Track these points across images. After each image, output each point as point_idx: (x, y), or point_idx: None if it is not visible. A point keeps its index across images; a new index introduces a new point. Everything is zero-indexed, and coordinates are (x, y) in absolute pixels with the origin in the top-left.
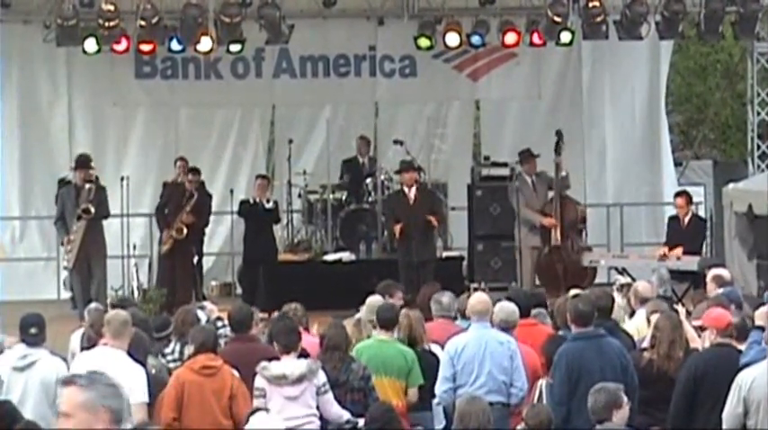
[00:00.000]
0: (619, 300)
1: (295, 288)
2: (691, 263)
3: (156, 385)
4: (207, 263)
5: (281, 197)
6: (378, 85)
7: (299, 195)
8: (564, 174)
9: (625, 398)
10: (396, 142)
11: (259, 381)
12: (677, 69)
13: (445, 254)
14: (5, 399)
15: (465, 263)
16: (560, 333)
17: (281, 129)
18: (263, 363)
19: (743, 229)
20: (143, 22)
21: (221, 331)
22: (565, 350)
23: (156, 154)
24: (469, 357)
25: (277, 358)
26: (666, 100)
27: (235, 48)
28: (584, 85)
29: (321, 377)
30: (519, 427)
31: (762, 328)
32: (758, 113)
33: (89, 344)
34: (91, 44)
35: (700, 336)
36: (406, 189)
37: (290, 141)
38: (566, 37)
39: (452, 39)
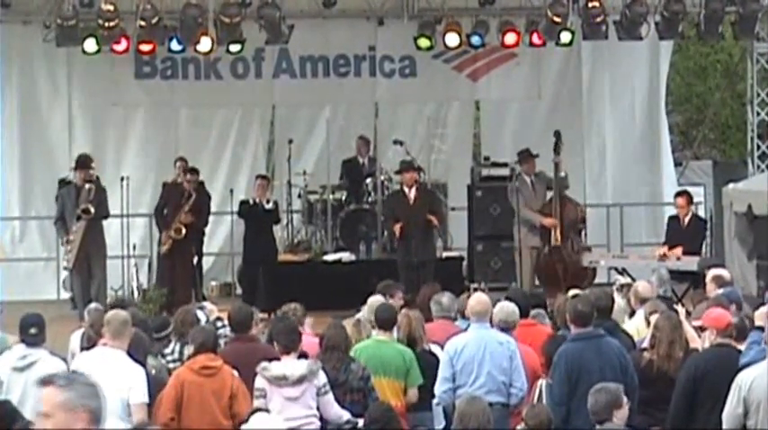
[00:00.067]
0: (619, 300)
1: (295, 288)
2: (690, 263)
3: (155, 385)
4: (207, 263)
5: (281, 197)
6: (378, 86)
7: (299, 195)
8: (563, 174)
9: (625, 398)
10: (396, 142)
11: (259, 382)
12: (677, 69)
13: (445, 254)
14: (5, 399)
15: (465, 263)
16: (560, 333)
17: (280, 130)
18: (264, 364)
19: (743, 230)
20: (143, 23)
21: (221, 331)
22: (564, 350)
23: (155, 154)
24: (469, 357)
25: (277, 358)
26: (666, 100)
27: (234, 48)
28: (583, 85)
29: (321, 378)
30: (519, 427)
31: (761, 329)
32: (758, 113)
33: (89, 344)
34: (91, 44)
35: (700, 337)
36: (406, 189)
37: (290, 141)
38: (565, 37)
39: (452, 39)
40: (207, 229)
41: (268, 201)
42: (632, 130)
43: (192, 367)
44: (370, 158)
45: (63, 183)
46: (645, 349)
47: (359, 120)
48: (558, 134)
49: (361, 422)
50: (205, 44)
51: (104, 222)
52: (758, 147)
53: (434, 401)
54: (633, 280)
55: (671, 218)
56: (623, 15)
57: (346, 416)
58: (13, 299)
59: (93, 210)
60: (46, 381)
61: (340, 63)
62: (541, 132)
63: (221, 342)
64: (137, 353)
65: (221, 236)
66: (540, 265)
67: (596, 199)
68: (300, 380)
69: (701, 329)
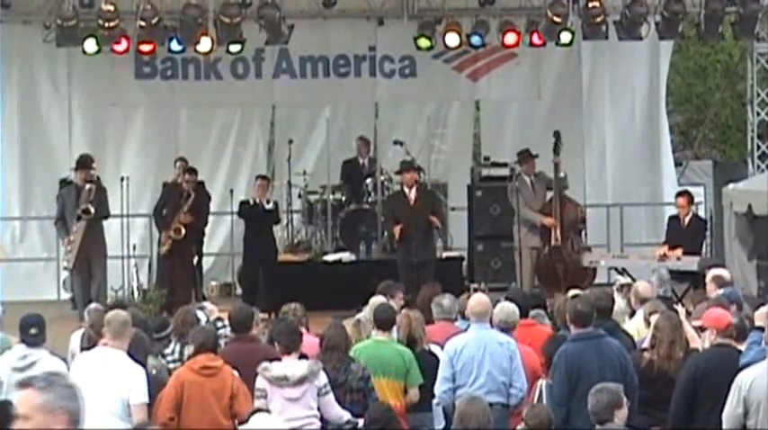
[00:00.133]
0: (619, 300)
1: (295, 288)
2: (691, 263)
3: (156, 385)
4: (207, 263)
5: (281, 197)
6: (378, 86)
7: (299, 196)
8: (562, 174)
9: (624, 398)
10: (396, 143)
11: (260, 382)
12: (677, 69)
13: (445, 254)
14: (5, 400)
15: (465, 263)
16: (560, 333)
17: (280, 130)
18: (265, 364)
19: (743, 230)
20: (143, 23)
21: (221, 331)
22: (564, 350)
23: (155, 154)
24: (469, 358)
25: (278, 359)
26: (666, 100)
27: (234, 48)
28: (584, 85)
29: (322, 378)
30: (519, 427)
31: (761, 329)
32: (758, 114)
33: (89, 344)
34: (91, 44)
35: (700, 337)
36: (406, 189)
37: (290, 142)
38: (566, 37)
39: (452, 39)
40: (207, 229)
41: (268, 202)
42: (632, 130)
43: (192, 367)
44: (371, 159)
45: (64, 183)
46: (645, 349)
47: (359, 120)
48: (557, 134)
49: (361, 422)
50: (205, 44)
51: (104, 222)
52: (758, 147)
53: (434, 401)
54: (633, 280)
55: (671, 218)
56: (623, 15)
57: (347, 416)
58: (14, 299)
59: (93, 210)
60: (25, 384)
61: (340, 63)
62: (541, 132)
63: (222, 342)
64: (137, 354)
65: (221, 236)
66: (540, 265)
67: (596, 199)
68: (301, 381)
69: (701, 329)
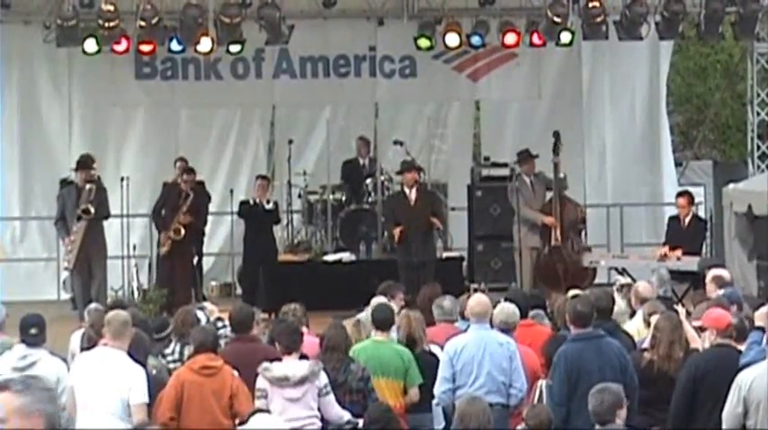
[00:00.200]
0: (619, 300)
1: (295, 288)
2: (691, 263)
3: (156, 385)
4: (207, 263)
5: (281, 197)
6: (378, 86)
7: (299, 196)
8: (562, 175)
9: (624, 398)
10: (396, 143)
11: (261, 382)
12: (677, 70)
13: (445, 254)
14: None
15: (465, 263)
16: (560, 333)
17: (281, 130)
18: (266, 364)
19: (743, 230)
20: (143, 23)
21: (222, 331)
22: (564, 351)
23: (155, 154)
24: (468, 358)
25: (278, 359)
26: (666, 100)
27: (235, 48)
28: (584, 85)
29: (323, 378)
30: (519, 428)
31: (761, 329)
32: (758, 114)
33: (89, 344)
34: (91, 44)
35: (700, 337)
36: (407, 190)
37: (290, 142)
38: (566, 37)
39: (452, 39)
40: (207, 230)
41: (268, 202)
42: (632, 131)
43: (192, 367)
44: (371, 159)
45: (64, 183)
46: (645, 349)
47: (359, 120)
48: (556, 135)
49: (361, 423)
50: (205, 44)
51: (104, 223)
52: (758, 147)
53: (434, 402)
54: (633, 280)
55: (671, 218)
56: (623, 15)
57: (347, 416)
58: (14, 299)
59: (93, 210)
60: (1, 387)
61: (340, 63)
62: (541, 132)
63: (222, 342)
64: (137, 354)
65: (221, 236)
66: (540, 266)
67: (596, 199)
68: (302, 381)
69: (701, 329)
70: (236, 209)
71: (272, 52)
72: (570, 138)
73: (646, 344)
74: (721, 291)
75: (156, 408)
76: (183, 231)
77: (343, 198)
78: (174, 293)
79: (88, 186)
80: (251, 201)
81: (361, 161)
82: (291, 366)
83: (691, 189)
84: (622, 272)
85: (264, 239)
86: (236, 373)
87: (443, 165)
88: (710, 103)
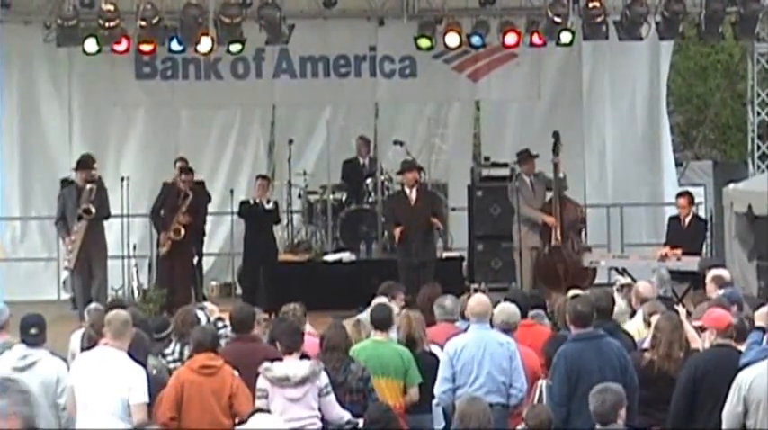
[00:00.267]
0: (619, 300)
1: (295, 288)
2: (691, 263)
3: (156, 385)
4: (207, 263)
5: (282, 197)
6: (378, 86)
7: (300, 196)
8: (561, 175)
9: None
10: (396, 143)
11: (261, 382)
12: (677, 70)
13: (445, 254)
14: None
15: (465, 263)
16: (561, 333)
17: (281, 130)
18: (266, 364)
19: (743, 230)
20: (143, 23)
21: (222, 331)
22: (564, 351)
23: (156, 154)
24: (468, 358)
25: (279, 358)
26: (667, 100)
27: (235, 48)
28: (584, 85)
29: (324, 378)
30: (519, 428)
31: (762, 329)
32: (758, 114)
33: (89, 344)
34: (91, 44)
35: (700, 337)
36: (407, 190)
37: (291, 142)
38: (566, 37)
39: (452, 39)
40: (207, 229)
41: (268, 202)
42: (633, 130)
43: (191, 367)
44: (371, 159)
45: (65, 182)
46: (646, 349)
47: (359, 120)
48: (556, 135)
49: (361, 423)
50: (205, 44)
51: (105, 223)
52: (758, 147)
53: (434, 402)
54: (634, 280)
55: (671, 218)
56: (623, 15)
57: (347, 416)
58: (14, 299)
59: (93, 210)
60: None
61: (340, 63)
62: (542, 132)
63: (222, 342)
64: (137, 354)
65: (221, 236)
66: (541, 266)
67: (597, 199)
68: (303, 381)
69: (701, 330)
70: (236, 209)
71: (272, 52)
72: (570, 138)
73: (646, 345)
74: (721, 291)
75: (156, 408)
76: (182, 231)
77: (344, 198)
78: (173, 293)
79: (89, 186)
80: (251, 201)
81: (362, 161)
82: (292, 366)
83: (691, 189)
84: (622, 272)
85: (265, 239)
86: (236, 373)
87: (443, 165)
88: (711, 103)
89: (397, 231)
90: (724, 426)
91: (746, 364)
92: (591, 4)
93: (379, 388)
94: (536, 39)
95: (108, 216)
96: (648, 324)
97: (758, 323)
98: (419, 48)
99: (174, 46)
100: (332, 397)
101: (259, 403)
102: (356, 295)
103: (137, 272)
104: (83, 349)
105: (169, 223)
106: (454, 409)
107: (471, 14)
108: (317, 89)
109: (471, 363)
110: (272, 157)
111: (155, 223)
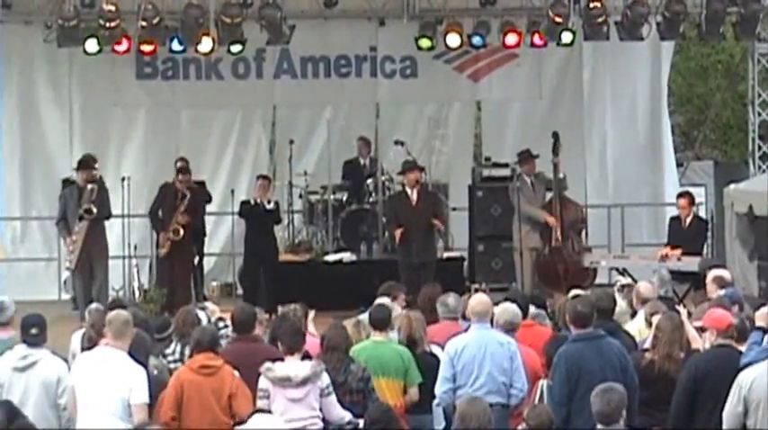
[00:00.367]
0: (620, 301)
1: (296, 288)
2: (691, 263)
3: (157, 385)
4: (208, 263)
5: (282, 198)
6: (379, 86)
7: (300, 196)
8: (561, 175)
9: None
10: (397, 143)
11: (263, 383)
12: (678, 70)
13: (446, 254)
14: (6, 400)
15: (466, 263)
16: (561, 333)
17: (281, 130)
18: (268, 364)
19: (744, 230)
20: (144, 23)
21: (223, 331)
22: (564, 351)
23: (156, 154)
24: (469, 358)
25: (280, 359)
26: (668, 101)
27: (235, 48)
28: (585, 85)
29: (325, 379)
30: (520, 428)
31: (762, 329)
32: (759, 114)
33: (90, 344)
34: (92, 44)
35: (701, 337)
36: (408, 190)
37: (291, 142)
38: (567, 38)
39: (453, 39)
40: (208, 230)
41: (269, 202)
42: (634, 131)
43: (191, 366)
44: (372, 159)
45: (66, 182)
46: (646, 350)
47: (360, 120)
48: (556, 135)
49: (361, 423)
50: (206, 44)
51: (105, 223)
52: (759, 147)
53: (434, 402)
54: (634, 280)
55: (672, 218)
56: (624, 16)
57: (348, 417)
58: (15, 299)
59: (95, 210)
60: None
61: (341, 63)
62: (542, 133)
63: (223, 342)
64: (138, 354)
65: (222, 236)
66: (541, 266)
67: (597, 199)
68: (304, 382)
69: (701, 330)
70: (237, 209)
71: (272, 52)
72: (571, 138)
73: (647, 345)
74: (722, 292)
75: (157, 409)
76: (181, 231)
77: (344, 198)
78: (174, 293)
79: (90, 186)
80: (252, 201)
81: (362, 161)
82: (294, 367)
83: (692, 189)
84: (623, 272)
85: (265, 239)
86: (236, 373)
87: (444, 165)
88: (711, 104)
89: (398, 232)
90: (724, 427)
91: (747, 365)
92: (592, 5)
93: (380, 388)
94: (537, 39)
95: (109, 216)
96: (650, 324)
97: (759, 323)
98: (420, 48)
99: (175, 46)
100: (333, 397)
101: (260, 403)
102: (357, 295)
103: (137, 272)
104: (83, 349)
105: (168, 224)
106: (455, 409)
107: (472, 15)
108: (317, 89)
109: (472, 363)
110: (272, 158)
111: (153, 224)
